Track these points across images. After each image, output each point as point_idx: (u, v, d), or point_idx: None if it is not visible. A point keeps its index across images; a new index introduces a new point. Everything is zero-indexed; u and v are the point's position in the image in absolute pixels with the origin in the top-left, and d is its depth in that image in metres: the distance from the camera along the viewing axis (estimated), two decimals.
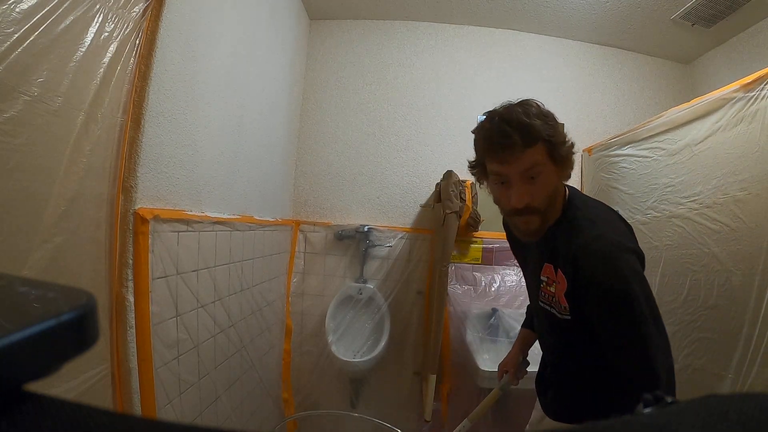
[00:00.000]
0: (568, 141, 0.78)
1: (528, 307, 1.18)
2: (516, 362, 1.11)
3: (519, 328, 1.79)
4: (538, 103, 0.78)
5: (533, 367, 1.09)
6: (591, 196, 1.95)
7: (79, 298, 0.18)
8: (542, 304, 0.87)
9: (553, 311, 0.83)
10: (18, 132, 0.63)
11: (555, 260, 0.81)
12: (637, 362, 0.68)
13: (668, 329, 1.36)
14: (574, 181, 2.13)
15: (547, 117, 0.76)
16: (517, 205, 0.75)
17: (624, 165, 1.69)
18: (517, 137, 0.72)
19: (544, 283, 0.85)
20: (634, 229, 0.83)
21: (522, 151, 0.72)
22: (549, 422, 0.95)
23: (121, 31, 0.85)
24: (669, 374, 0.69)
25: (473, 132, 0.81)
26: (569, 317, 0.78)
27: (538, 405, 1.04)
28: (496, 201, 0.82)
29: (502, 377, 1.13)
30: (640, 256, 0.73)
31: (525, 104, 0.77)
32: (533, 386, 1.09)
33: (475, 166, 0.82)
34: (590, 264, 0.70)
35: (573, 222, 0.77)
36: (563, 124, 0.80)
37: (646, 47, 2.21)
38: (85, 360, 0.79)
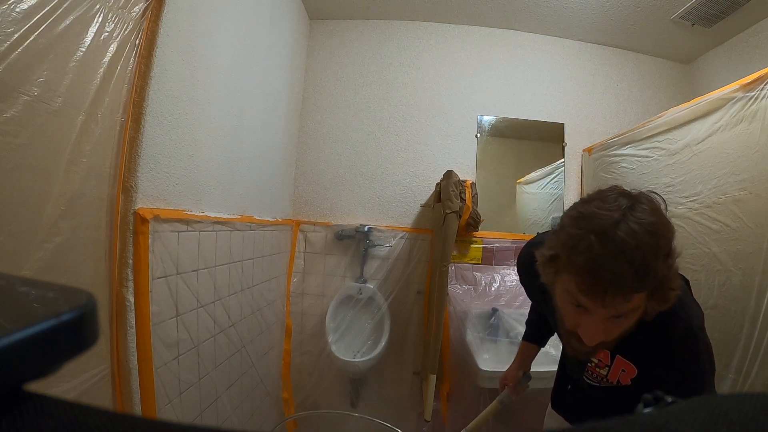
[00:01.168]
0: (676, 276, 0.60)
1: (529, 319, 1.14)
2: (516, 377, 1.10)
3: (519, 328, 1.81)
4: (651, 209, 0.59)
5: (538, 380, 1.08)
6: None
7: (79, 298, 0.18)
8: (586, 379, 0.82)
9: (602, 385, 0.79)
10: (18, 132, 0.63)
11: (616, 347, 0.72)
12: None
13: None
14: (575, 181, 2.13)
15: (669, 250, 0.58)
16: (588, 343, 0.62)
17: (624, 165, 1.69)
18: (630, 283, 0.54)
19: (593, 364, 0.80)
20: None
21: (626, 299, 0.56)
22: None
23: (121, 31, 0.85)
24: None
25: (562, 227, 0.62)
26: (616, 385, 0.77)
27: (551, 413, 1.01)
28: (559, 313, 0.68)
29: (503, 390, 1.11)
30: (703, 317, 0.74)
31: (640, 221, 0.55)
32: (535, 391, 1.08)
33: (548, 266, 0.63)
34: (678, 359, 0.68)
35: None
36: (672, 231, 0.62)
37: (646, 47, 2.21)
38: (85, 360, 0.79)
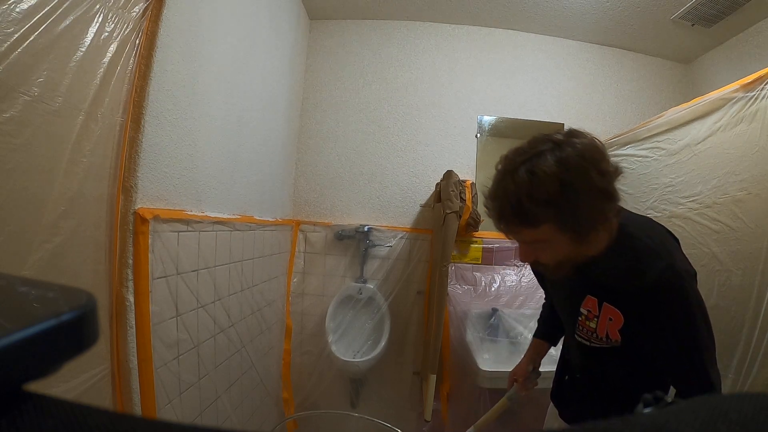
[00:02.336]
0: (600, 218, 0.64)
1: (541, 315, 1.14)
2: (526, 372, 1.09)
3: (519, 327, 1.81)
4: (558, 159, 0.61)
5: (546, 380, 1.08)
6: None
7: (79, 298, 0.18)
8: (578, 338, 0.83)
9: (592, 344, 0.80)
10: (18, 132, 0.63)
11: (604, 294, 0.75)
12: (699, 383, 0.68)
13: None
14: None
15: (564, 191, 0.60)
16: (521, 260, 0.71)
17: (624, 165, 1.68)
18: (511, 218, 0.65)
19: (583, 317, 0.80)
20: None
21: (518, 229, 0.66)
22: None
23: (121, 31, 0.85)
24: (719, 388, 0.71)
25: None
26: (617, 346, 0.76)
27: (552, 413, 1.02)
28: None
29: (512, 386, 1.11)
30: (696, 276, 0.70)
31: (534, 167, 0.62)
32: (537, 391, 1.08)
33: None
34: (664, 298, 0.67)
35: (631, 253, 0.69)
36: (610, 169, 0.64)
37: (646, 47, 2.21)
38: (85, 360, 0.79)
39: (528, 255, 0.71)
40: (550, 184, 0.60)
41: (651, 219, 0.80)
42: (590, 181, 0.61)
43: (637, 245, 0.69)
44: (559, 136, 0.65)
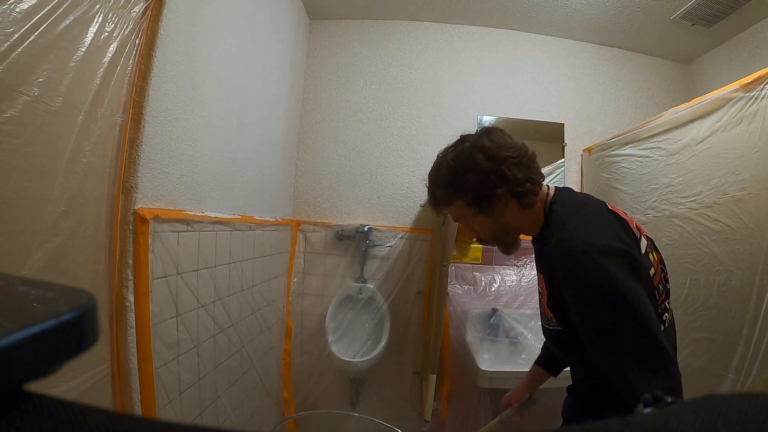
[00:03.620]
0: (478, 194, 0.76)
1: (545, 343, 1.07)
2: (521, 398, 1.07)
3: (519, 327, 1.81)
4: (446, 154, 0.81)
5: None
6: (593, 195, 1.95)
7: (79, 298, 0.18)
8: (544, 324, 0.85)
9: (544, 324, 0.84)
10: (18, 132, 0.63)
11: (540, 269, 0.81)
12: (611, 370, 0.62)
13: None
14: (574, 181, 2.13)
15: (453, 182, 0.78)
16: (468, 239, 0.83)
17: (624, 165, 1.69)
18: (432, 203, 0.85)
19: (540, 295, 0.83)
20: (634, 224, 0.77)
21: (440, 209, 0.85)
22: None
23: (121, 31, 0.85)
24: (665, 380, 0.60)
25: None
26: (558, 327, 0.77)
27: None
28: None
29: (506, 409, 1.08)
30: (620, 253, 0.65)
31: (439, 162, 0.82)
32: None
33: None
34: (561, 267, 0.67)
35: (548, 227, 0.76)
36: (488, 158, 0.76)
37: (646, 47, 2.21)
38: (85, 360, 0.79)
39: (466, 232, 0.85)
40: (445, 171, 0.79)
41: (591, 197, 0.81)
42: (476, 165, 0.76)
43: (553, 218, 0.76)
44: (470, 134, 0.81)
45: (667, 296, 0.79)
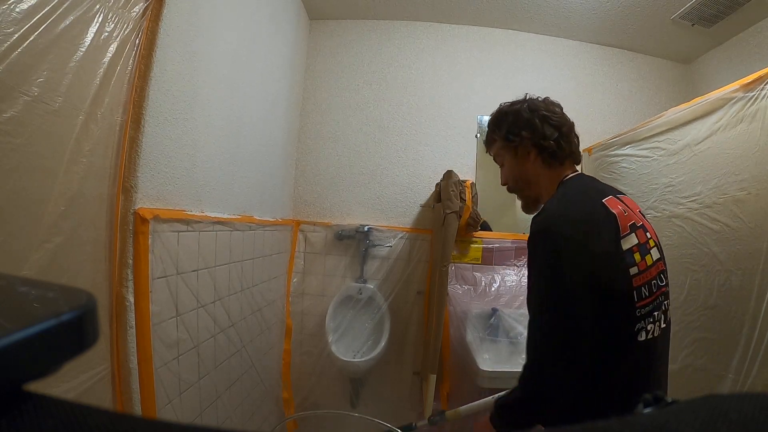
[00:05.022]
0: (508, 133, 0.92)
1: None
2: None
3: (519, 327, 1.81)
4: (506, 103, 0.96)
5: None
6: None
7: (79, 298, 0.18)
8: None
9: None
10: (18, 132, 0.63)
11: None
12: (530, 321, 0.77)
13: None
14: None
15: (497, 122, 0.95)
16: (502, 183, 0.99)
17: (624, 165, 1.69)
18: (485, 145, 1.02)
19: None
20: (628, 221, 0.77)
21: (489, 149, 1.01)
22: None
23: (121, 31, 0.85)
24: (560, 351, 0.71)
25: None
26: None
27: None
28: None
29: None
30: (556, 236, 0.73)
31: (497, 112, 0.97)
32: None
33: None
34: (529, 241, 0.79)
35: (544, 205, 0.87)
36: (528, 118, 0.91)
37: (646, 47, 2.21)
38: (85, 360, 0.79)
39: (501, 176, 0.98)
40: (496, 114, 0.96)
41: (593, 186, 0.85)
42: (517, 112, 0.91)
43: (551, 198, 0.85)
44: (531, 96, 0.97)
45: (657, 307, 0.77)
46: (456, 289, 1.97)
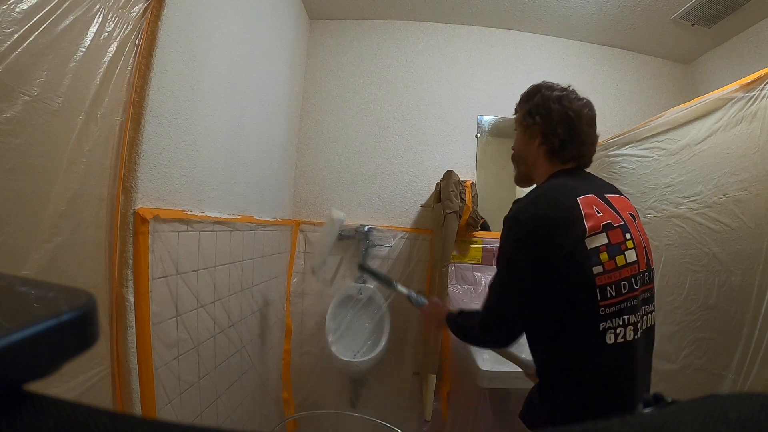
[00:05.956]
0: (527, 112, 0.96)
1: None
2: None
3: None
4: (549, 83, 0.98)
5: None
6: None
7: (79, 298, 0.18)
8: None
9: None
10: (18, 132, 0.63)
11: None
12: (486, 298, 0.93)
13: (668, 329, 1.36)
14: None
15: (527, 96, 0.98)
16: (512, 147, 1.04)
17: (624, 165, 1.69)
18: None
19: None
20: (601, 221, 0.81)
21: (515, 110, 1.01)
22: None
23: (121, 31, 0.85)
24: (500, 312, 0.89)
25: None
26: None
27: None
28: None
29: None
30: (520, 223, 0.82)
31: (539, 84, 1.00)
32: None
33: None
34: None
35: None
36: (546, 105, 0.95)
37: (646, 47, 2.21)
38: (85, 360, 0.79)
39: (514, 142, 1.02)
40: (531, 90, 0.97)
41: (571, 183, 0.88)
42: (546, 99, 0.92)
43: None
44: (573, 90, 0.98)
45: (630, 310, 0.78)
46: (456, 289, 1.97)
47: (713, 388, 1.15)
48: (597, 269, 0.77)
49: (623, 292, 0.78)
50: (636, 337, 0.78)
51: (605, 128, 2.14)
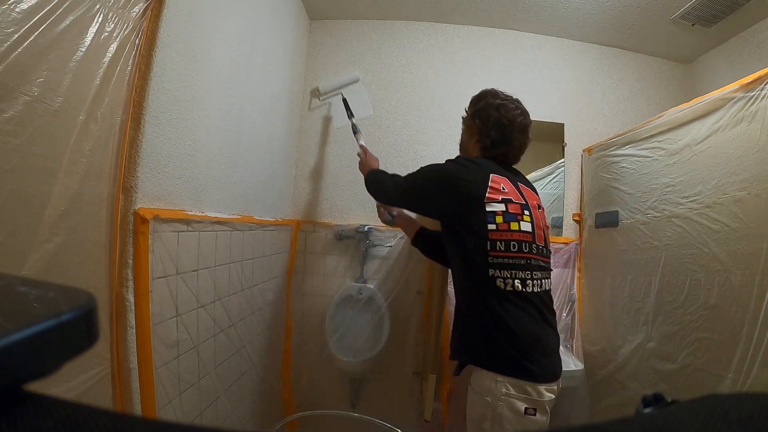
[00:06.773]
0: (472, 115, 1.23)
1: None
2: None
3: None
4: (496, 91, 1.22)
5: None
6: (591, 195, 1.94)
7: (79, 298, 0.18)
8: None
9: None
10: (18, 132, 0.63)
11: None
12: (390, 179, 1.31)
13: (668, 329, 1.36)
14: (574, 181, 2.13)
15: (476, 100, 1.24)
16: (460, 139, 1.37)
17: (624, 165, 1.69)
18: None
19: None
20: (509, 193, 1.09)
21: (466, 110, 1.29)
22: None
23: (121, 31, 0.85)
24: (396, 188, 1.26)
25: None
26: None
27: None
28: None
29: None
30: (445, 166, 1.14)
31: (487, 90, 1.25)
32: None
33: None
34: None
35: None
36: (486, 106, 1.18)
37: (646, 47, 2.21)
38: (85, 360, 0.79)
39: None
40: (479, 94, 1.25)
41: (490, 163, 1.14)
42: (488, 106, 1.18)
43: None
44: (515, 99, 1.22)
45: (520, 267, 1.01)
46: None
47: (713, 388, 1.15)
48: (491, 227, 1.02)
49: (512, 250, 1.01)
50: (525, 289, 1.00)
51: (605, 128, 2.15)
